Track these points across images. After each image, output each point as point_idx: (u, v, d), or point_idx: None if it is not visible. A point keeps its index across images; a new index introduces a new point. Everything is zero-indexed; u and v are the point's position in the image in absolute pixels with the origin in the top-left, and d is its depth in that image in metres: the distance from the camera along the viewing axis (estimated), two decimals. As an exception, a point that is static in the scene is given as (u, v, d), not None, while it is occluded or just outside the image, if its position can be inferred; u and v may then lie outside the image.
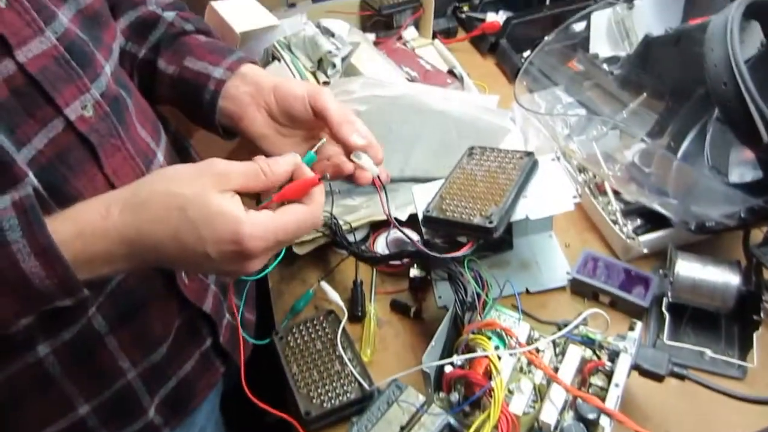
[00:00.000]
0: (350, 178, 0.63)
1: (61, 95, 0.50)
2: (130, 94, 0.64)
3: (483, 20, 1.33)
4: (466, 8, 1.41)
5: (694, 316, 0.71)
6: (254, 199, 0.54)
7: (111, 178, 0.55)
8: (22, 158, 0.47)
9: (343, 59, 1.03)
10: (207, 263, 0.48)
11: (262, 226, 0.47)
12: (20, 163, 0.47)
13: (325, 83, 1.02)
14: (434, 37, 1.33)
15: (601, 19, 1.01)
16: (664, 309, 0.70)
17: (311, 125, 0.65)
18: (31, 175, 0.47)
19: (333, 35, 1.05)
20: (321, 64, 1.03)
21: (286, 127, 0.67)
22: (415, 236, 0.76)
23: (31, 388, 0.55)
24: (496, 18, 1.33)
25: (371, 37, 1.27)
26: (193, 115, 0.73)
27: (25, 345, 0.53)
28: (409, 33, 1.30)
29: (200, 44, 0.72)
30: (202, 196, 0.46)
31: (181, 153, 0.76)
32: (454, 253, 0.66)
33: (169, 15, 0.74)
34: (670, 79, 0.88)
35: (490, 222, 0.63)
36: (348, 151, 0.62)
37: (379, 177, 0.62)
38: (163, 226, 0.46)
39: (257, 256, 0.48)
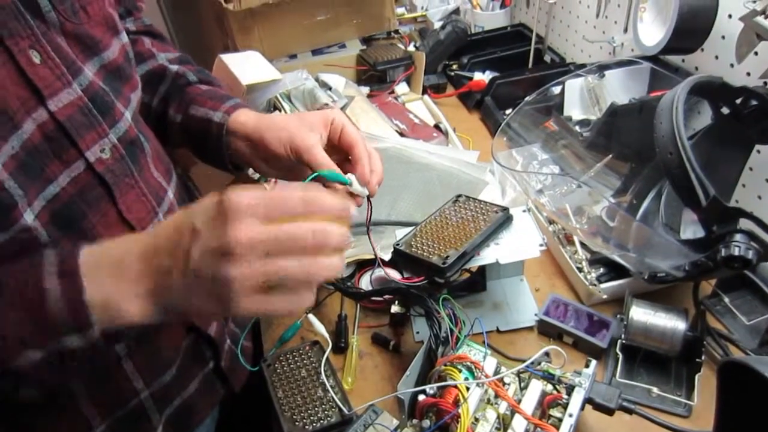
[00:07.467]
0: None
1: (83, 140, 0.56)
2: (148, 139, 0.70)
3: (470, 78, 1.44)
4: (455, 67, 1.53)
5: (648, 358, 0.77)
6: None
7: (123, 213, 0.61)
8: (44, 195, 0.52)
9: (339, 111, 1.12)
10: (194, 245, 0.44)
11: (247, 190, 0.45)
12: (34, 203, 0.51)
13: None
14: (425, 91, 1.43)
15: (574, 86, 1.11)
16: (617, 350, 0.76)
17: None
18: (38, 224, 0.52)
19: (330, 88, 1.13)
20: (318, 114, 1.11)
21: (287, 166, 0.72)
22: (397, 275, 0.83)
23: (52, 406, 0.60)
24: (483, 77, 1.44)
25: (365, 89, 1.36)
26: (203, 156, 0.81)
27: None
28: (401, 88, 1.40)
29: (201, 93, 0.81)
30: (206, 199, 0.47)
31: (187, 191, 0.84)
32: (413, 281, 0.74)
33: (174, 68, 0.83)
34: (633, 144, 0.97)
35: (444, 263, 0.71)
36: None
37: (369, 197, 0.67)
38: (167, 225, 0.48)
39: (243, 217, 0.43)
